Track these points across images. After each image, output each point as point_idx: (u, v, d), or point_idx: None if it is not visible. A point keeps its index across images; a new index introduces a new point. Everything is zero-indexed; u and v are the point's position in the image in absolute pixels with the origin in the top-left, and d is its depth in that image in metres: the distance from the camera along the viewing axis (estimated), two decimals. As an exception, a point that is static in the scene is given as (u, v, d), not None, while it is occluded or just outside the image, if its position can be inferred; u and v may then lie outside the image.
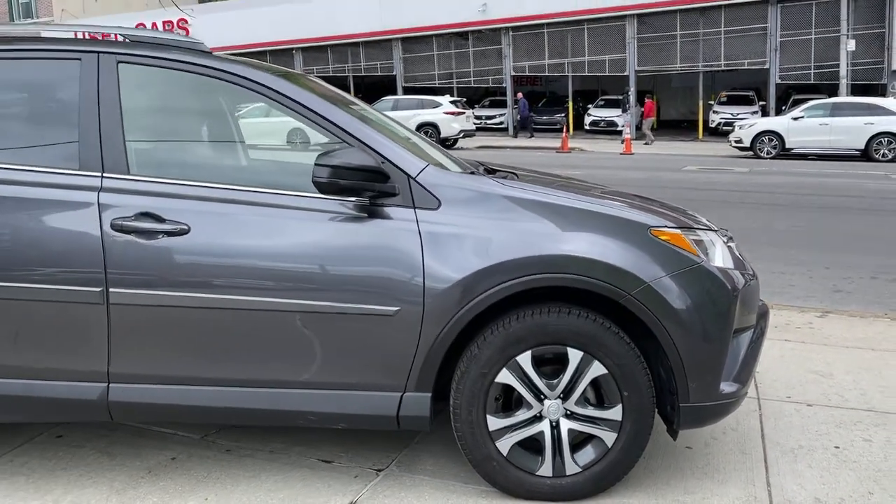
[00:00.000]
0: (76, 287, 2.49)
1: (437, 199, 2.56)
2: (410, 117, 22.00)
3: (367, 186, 2.50)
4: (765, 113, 25.02)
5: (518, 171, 3.35)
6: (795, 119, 19.41)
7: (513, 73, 29.53)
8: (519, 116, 26.91)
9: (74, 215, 2.52)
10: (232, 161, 3.29)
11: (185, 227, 2.50)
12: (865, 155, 18.52)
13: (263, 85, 2.66)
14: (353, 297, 2.51)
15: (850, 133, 18.60)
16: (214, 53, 2.78)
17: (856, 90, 23.63)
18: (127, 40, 2.76)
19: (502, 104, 30.61)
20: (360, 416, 2.61)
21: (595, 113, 28.94)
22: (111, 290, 2.49)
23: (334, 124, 2.62)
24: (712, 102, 27.72)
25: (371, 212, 2.54)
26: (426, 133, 20.71)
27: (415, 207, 2.55)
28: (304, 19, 29.90)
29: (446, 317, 2.49)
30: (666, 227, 2.63)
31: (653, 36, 26.95)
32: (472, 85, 30.73)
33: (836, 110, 19.14)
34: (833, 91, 23.41)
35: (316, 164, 2.42)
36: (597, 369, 2.54)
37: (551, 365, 2.59)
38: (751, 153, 19.73)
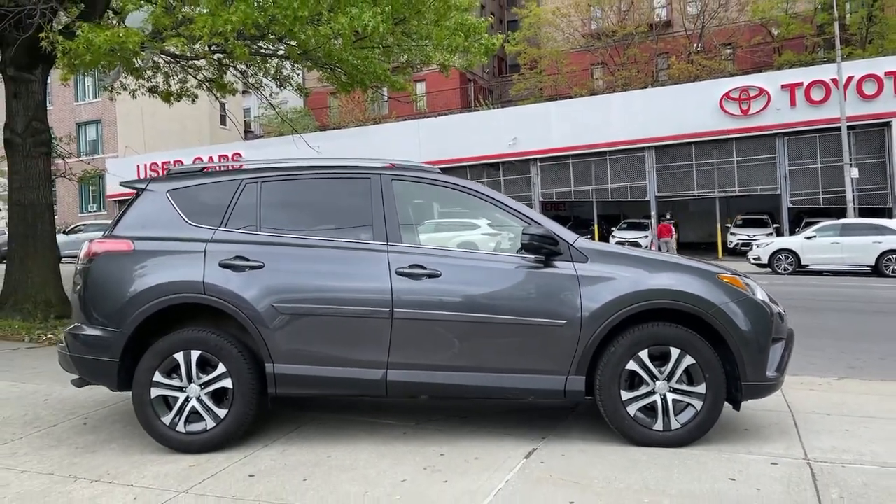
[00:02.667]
0: (376, 308, 4.16)
1: (585, 256, 4.26)
2: (452, 237, 24.07)
3: (545, 248, 4.20)
4: (779, 234, 26.79)
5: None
6: (809, 238, 21.16)
7: (541, 199, 31.98)
8: None
9: (375, 267, 4.23)
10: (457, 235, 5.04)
11: (439, 273, 4.20)
12: (876, 271, 20.04)
13: (479, 192, 4.47)
14: (539, 314, 4.15)
15: (860, 251, 20.27)
16: (444, 174, 4.59)
17: (863, 213, 25.40)
18: (394, 166, 4.57)
19: (531, 228, 32.74)
20: (541, 391, 4.19)
21: (620, 235, 30.89)
22: (395, 309, 4.16)
23: (524, 214, 4.40)
24: (729, 225, 29.66)
25: (546, 264, 4.24)
26: (466, 252, 22.74)
27: (573, 261, 4.24)
28: (350, 155, 32.81)
29: (594, 328, 4.12)
30: (726, 273, 4.30)
31: (671, 165, 29.34)
32: (503, 210, 32.99)
33: (846, 230, 20.92)
34: (842, 214, 25.14)
35: (522, 234, 4.16)
36: (688, 360, 4.13)
37: (659, 359, 4.18)
38: (769, 270, 21.34)
